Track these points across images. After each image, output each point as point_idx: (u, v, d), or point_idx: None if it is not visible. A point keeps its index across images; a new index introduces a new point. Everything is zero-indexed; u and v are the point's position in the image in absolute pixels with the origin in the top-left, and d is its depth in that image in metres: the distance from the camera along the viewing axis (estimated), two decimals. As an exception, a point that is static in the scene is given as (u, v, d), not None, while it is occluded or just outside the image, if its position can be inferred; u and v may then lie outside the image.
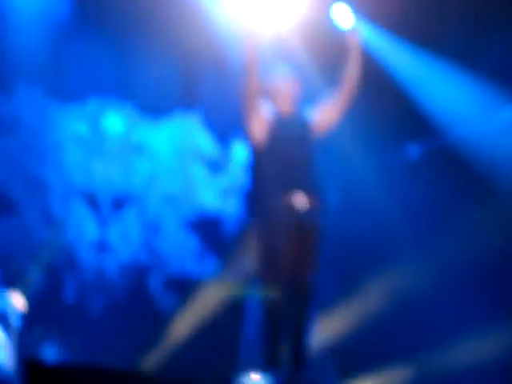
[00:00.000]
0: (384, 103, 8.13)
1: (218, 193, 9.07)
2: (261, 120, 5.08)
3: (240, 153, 9.15)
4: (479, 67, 7.81)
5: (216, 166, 9.13)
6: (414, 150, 8.49)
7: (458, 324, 7.64)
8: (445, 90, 8.07)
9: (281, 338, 4.93)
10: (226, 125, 9.09)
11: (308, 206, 5.02)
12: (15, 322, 6.90)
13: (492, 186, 7.56)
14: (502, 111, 7.61)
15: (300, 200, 5.01)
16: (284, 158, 5.06)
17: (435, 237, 7.88)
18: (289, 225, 4.95)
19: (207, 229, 8.97)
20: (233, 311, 8.69)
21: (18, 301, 7.02)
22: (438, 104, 8.01)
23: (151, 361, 8.03)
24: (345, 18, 8.87)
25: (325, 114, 5.32)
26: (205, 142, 9.09)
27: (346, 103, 5.30)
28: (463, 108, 7.87)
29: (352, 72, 5.27)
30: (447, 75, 8.05)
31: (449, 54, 8.06)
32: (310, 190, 5.06)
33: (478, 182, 7.62)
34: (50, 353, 7.92)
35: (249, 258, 8.99)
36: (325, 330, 8.15)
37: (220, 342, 8.58)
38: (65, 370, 3.48)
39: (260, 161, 5.15)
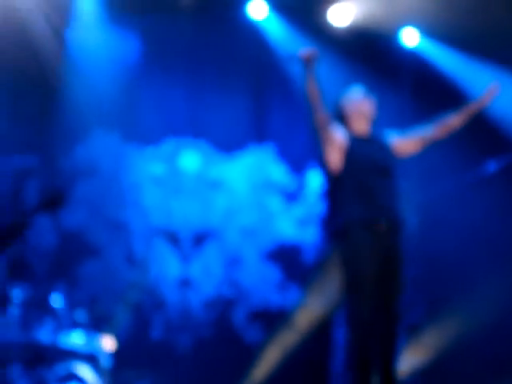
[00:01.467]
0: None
1: (296, 222, 9.08)
2: (337, 147, 4.96)
3: (314, 181, 9.16)
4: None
5: (291, 196, 9.15)
6: (491, 166, 8.35)
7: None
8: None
9: (370, 364, 4.79)
10: (299, 155, 9.13)
11: (390, 231, 4.94)
12: (106, 363, 7.00)
13: None
14: None
15: (382, 227, 4.93)
16: (365, 182, 4.95)
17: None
18: (372, 251, 4.84)
19: (287, 259, 8.97)
20: (320, 339, 8.66)
21: (107, 342, 7.12)
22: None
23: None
24: (411, 37, 8.96)
25: (409, 145, 5.21)
26: (279, 173, 9.13)
27: (435, 142, 5.23)
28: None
29: (459, 123, 5.18)
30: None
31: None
32: (392, 214, 4.98)
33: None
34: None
35: (331, 285, 8.97)
36: (415, 353, 8.04)
37: (309, 371, 8.59)
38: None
39: (340, 186, 5.04)
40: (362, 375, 4.75)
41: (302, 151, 9.13)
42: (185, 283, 8.63)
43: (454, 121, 5.17)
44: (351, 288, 4.85)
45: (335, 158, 5.00)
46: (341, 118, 5.22)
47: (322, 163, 5.08)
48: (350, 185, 4.99)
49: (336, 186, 5.05)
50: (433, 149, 8.40)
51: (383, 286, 4.87)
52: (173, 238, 8.68)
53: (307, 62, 4.83)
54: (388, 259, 4.89)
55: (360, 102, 5.19)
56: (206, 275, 8.73)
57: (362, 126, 5.19)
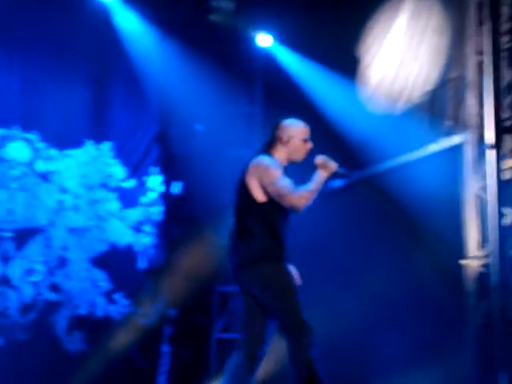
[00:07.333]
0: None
1: (130, 226, 8.64)
2: None
3: (153, 185, 8.77)
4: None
5: (127, 198, 8.71)
6: (336, 182, 8.23)
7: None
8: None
9: None
10: (138, 156, 8.76)
11: None
12: None
13: (416, 218, 7.32)
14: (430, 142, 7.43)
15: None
16: (280, 220, 4.85)
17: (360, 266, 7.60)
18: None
19: (118, 264, 8.51)
20: (147, 351, 8.30)
21: None
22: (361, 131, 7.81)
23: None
24: (265, 41, 8.84)
25: None
26: (116, 173, 8.67)
27: None
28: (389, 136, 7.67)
29: None
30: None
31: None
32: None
33: (402, 213, 7.38)
34: None
35: (162, 295, 8.63)
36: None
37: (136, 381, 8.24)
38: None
39: (262, 216, 4.82)
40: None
41: (142, 153, 8.79)
42: (2, 282, 7.95)
43: None
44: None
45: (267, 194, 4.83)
46: (275, 136, 4.98)
47: (248, 191, 4.84)
48: (271, 219, 4.83)
49: (257, 215, 4.84)
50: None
51: None
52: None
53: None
54: None
55: (305, 143, 4.98)
56: (26, 276, 8.08)
57: (286, 161, 4.98)
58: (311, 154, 4.94)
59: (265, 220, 4.80)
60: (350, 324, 7.43)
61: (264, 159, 4.85)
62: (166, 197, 8.92)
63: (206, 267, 8.57)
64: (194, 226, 8.74)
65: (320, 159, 4.81)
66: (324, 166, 4.78)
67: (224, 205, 8.96)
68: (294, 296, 4.71)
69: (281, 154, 4.93)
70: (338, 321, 7.34)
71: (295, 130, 4.97)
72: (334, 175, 4.83)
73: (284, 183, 4.72)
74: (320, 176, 4.76)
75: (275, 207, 4.77)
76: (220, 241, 8.88)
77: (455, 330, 6.93)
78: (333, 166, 4.79)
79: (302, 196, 4.66)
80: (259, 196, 4.80)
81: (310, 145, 4.97)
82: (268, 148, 4.97)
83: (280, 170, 4.80)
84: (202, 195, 8.81)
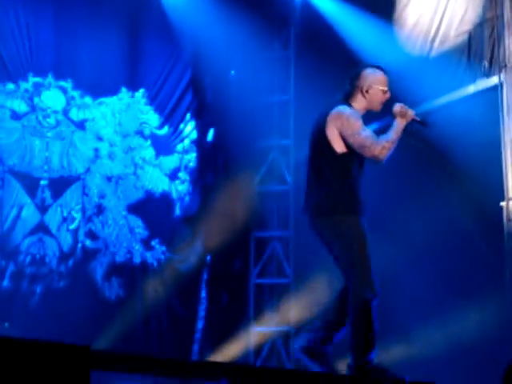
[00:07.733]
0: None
1: (165, 174, 8.64)
2: None
3: (187, 133, 8.75)
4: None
5: (162, 146, 8.70)
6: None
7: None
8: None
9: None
10: (173, 104, 8.73)
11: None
12: None
13: (454, 160, 7.23)
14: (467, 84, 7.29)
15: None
16: (357, 172, 4.78)
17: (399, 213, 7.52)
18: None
19: (154, 211, 8.53)
20: (184, 296, 8.36)
21: None
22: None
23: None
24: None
25: None
26: (151, 121, 8.65)
27: None
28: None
29: None
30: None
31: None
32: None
33: (441, 158, 7.29)
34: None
35: (199, 241, 8.66)
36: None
37: (172, 328, 8.30)
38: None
39: (339, 167, 4.73)
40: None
41: (176, 100, 8.75)
42: (41, 230, 8.01)
43: None
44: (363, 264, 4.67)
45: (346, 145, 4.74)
46: (355, 86, 4.84)
47: (327, 142, 4.73)
48: (348, 170, 4.74)
49: (335, 165, 4.75)
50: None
51: None
52: (31, 181, 8.03)
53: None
54: None
55: (385, 93, 4.83)
56: (64, 223, 8.14)
57: (364, 111, 4.85)
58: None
59: (342, 171, 4.71)
60: (388, 266, 7.40)
61: (344, 109, 4.73)
62: (199, 144, 8.89)
63: (242, 213, 8.58)
64: (228, 173, 8.72)
65: (398, 107, 4.70)
66: (402, 114, 4.68)
67: (258, 151, 8.98)
68: (362, 251, 4.64)
69: (360, 103, 4.80)
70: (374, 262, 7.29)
71: (376, 79, 4.82)
72: (411, 123, 4.73)
73: (366, 133, 4.63)
74: (399, 124, 4.67)
75: (353, 158, 4.70)
76: (255, 187, 8.90)
77: (494, 273, 6.87)
78: (410, 113, 4.70)
79: (384, 147, 4.60)
80: (338, 147, 4.69)
81: (388, 94, 4.83)
82: (347, 98, 4.83)
83: (361, 121, 4.69)
84: (237, 141, 8.77)
